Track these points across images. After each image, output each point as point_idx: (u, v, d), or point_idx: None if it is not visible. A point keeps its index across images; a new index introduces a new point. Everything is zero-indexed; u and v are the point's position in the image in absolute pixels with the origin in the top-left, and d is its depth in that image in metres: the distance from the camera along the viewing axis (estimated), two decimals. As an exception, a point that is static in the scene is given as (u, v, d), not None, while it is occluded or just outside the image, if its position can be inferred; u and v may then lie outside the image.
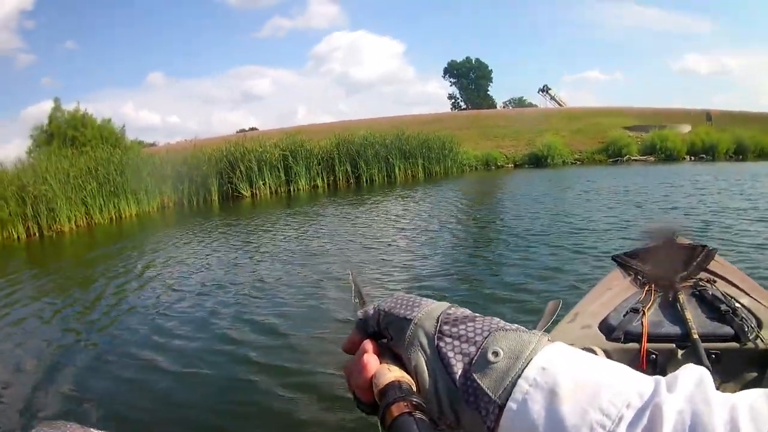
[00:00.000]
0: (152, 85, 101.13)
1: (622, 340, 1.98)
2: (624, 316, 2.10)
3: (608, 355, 1.89)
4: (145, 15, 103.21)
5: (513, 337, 0.44)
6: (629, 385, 0.40)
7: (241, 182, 20.20)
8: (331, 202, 16.40)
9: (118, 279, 7.63)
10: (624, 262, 2.76)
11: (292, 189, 21.16)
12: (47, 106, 25.62)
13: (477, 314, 0.49)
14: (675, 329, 1.96)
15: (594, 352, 1.62)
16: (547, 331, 1.90)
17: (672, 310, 2.11)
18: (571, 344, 1.33)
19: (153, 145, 38.73)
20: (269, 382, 3.74)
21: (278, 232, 10.77)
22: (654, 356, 1.89)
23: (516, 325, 0.46)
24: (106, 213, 15.94)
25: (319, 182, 21.96)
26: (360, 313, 0.54)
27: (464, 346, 0.45)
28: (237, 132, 42.98)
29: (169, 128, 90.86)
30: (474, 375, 0.43)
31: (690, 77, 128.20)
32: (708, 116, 35.28)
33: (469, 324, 0.47)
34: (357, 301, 0.70)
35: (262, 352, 4.31)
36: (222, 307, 5.68)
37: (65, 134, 22.34)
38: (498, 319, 0.47)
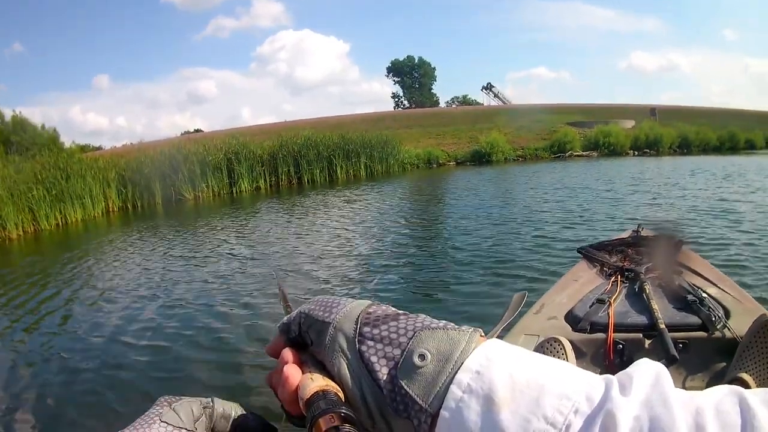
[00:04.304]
0: (98, 88, 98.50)
1: (589, 331, 1.98)
2: (590, 307, 2.11)
3: (575, 345, 1.86)
4: (89, 17, 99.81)
5: (441, 337, 0.40)
6: (576, 388, 0.36)
7: (183, 185, 20.43)
8: (272, 203, 16.64)
9: (61, 286, 7.63)
10: (590, 254, 2.79)
11: (234, 191, 21.51)
12: None
13: (401, 312, 0.45)
14: (641, 319, 1.96)
15: (560, 342, 1.75)
16: (513, 323, 2.02)
17: (638, 300, 2.12)
18: (537, 335, 1.96)
19: (99, 148, 38.57)
20: (193, 384, 3.86)
21: (218, 235, 10.86)
22: (621, 346, 1.88)
23: (444, 321, 0.43)
24: (53, 219, 15.95)
25: (261, 183, 22.41)
26: (285, 318, 0.51)
27: (387, 348, 0.42)
28: (182, 134, 42.34)
29: (116, 131, 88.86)
30: (401, 381, 0.40)
31: (637, 75, 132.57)
32: (652, 111, 36.65)
33: (392, 323, 0.43)
34: (283, 305, 0.67)
35: (189, 355, 4.42)
36: (158, 313, 5.71)
37: (7, 139, 22.40)
38: (424, 316, 0.44)
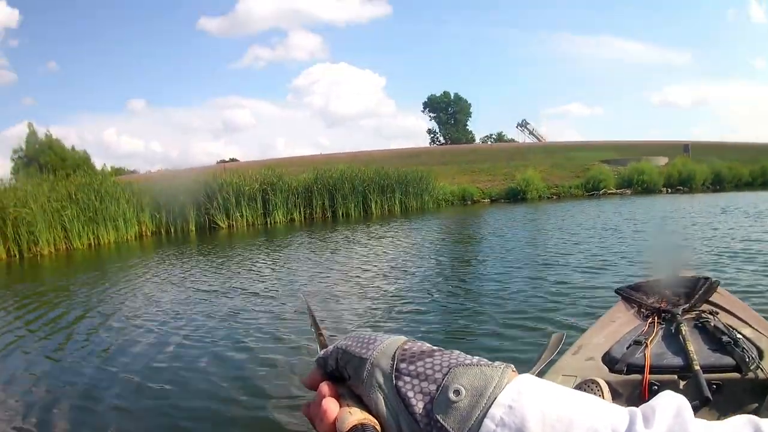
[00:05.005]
0: (133, 111, 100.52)
1: (625, 372, 2.01)
2: (627, 348, 2.13)
3: (611, 386, 1.90)
4: (126, 41, 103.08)
5: (474, 373, 0.42)
6: (603, 421, 0.38)
7: (218, 213, 20.29)
8: (306, 235, 16.40)
9: (89, 305, 7.70)
10: (627, 295, 2.81)
11: (269, 221, 21.25)
12: (26, 127, 26.26)
13: (435, 348, 0.47)
14: (677, 360, 1.99)
15: (598, 384, 1.79)
16: (551, 363, 1.99)
17: (674, 341, 2.14)
18: (574, 376, 1.95)
19: (134, 172, 38.88)
20: (223, 410, 3.78)
21: (252, 264, 10.76)
22: (656, 387, 1.89)
23: (477, 358, 0.44)
24: (85, 239, 16.02)
25: (296, 215, 22.08)
26: (321, 352, 0.52)
27: (423, 384, 0.43)
28: (217, 163, 42.78)
29: (151, 155, 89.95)
30: (437, 416, 0.41)
31: (670, 109, 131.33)
32: (685, 148, 35.64)
33: (427, 360, 0.45)
34: (312, 326, 0.69)
35: (219, 380, 4.32)
36: (188, 338, 5.63)
37: (38, 159, 22.61)
38: (458, 353, 0.45)
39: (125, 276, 10.60)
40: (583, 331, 2.63)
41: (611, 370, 2.03)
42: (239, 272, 9.83)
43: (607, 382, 1.87)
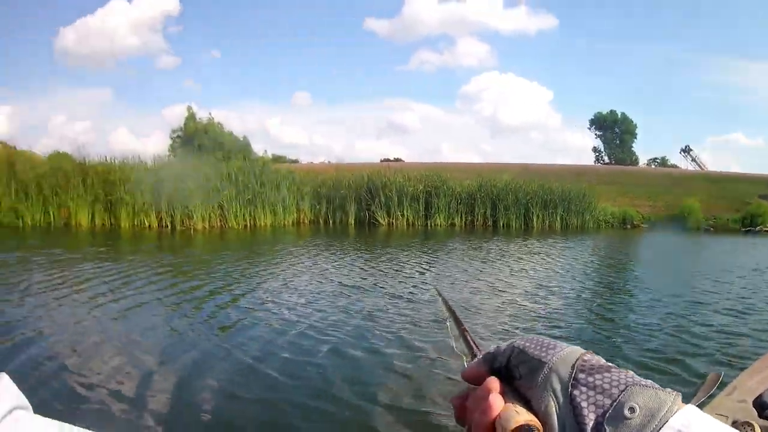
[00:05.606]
0: (298, 104, 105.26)
1: None
2: None
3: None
4: (291, 35, 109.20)
5: (650, 395, 0.42)
6: None
7: (378, 210, 20.09)
8: (463, 242, 15.67)
9: (226, 282, 7.70)
10: None
11: (429, 223, 20.79)
12: (186, 109, 27.89)
13: (612, 365, 0.46)
14: None
15: (752, 426, 1.76)
16: (705, 401, 2.07)
17: None
18: (726, 416, 1.93)
19: (296, 162, 39.88)
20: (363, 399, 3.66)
21: (402, 265, 10.29)
22: None
23: (651, 381, 0.44)
24: (241, 219, 16.36)
25: (456, 220, 21.53)
26: (492, 348, 0.51)
27: (599, 397, 0.43)
28: (381, 161, 42.93)
29: (314, 148, 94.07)
30: (607, 428, 0.41)
31: None
32: None
33: (606, 374, 0.45)
34: (450, 318, 0.70)
35: (332, 376, 4.10)
36: (313, 328, 5.42)
37: (195, 141, 23.56)
38: (633, 373, 0.45)
39: (272, 259, 10.58)
40: (739, 371, 2.38)
41: (760, 415, 1.91)
42: (387, 271, 9.53)
43: (762, 427, 1.78)
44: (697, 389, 1.91)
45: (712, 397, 2.06)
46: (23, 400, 0.40)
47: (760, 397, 2.06)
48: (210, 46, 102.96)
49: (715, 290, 8.90)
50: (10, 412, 0.36)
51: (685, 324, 6.47)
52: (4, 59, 69.03)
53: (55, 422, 0.41)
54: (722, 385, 2.08)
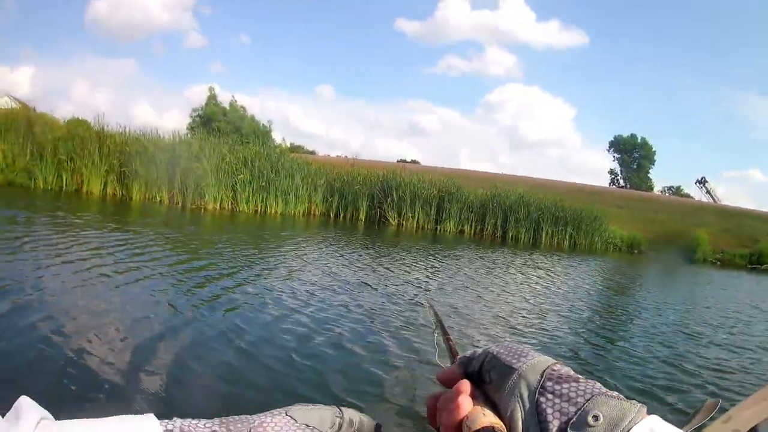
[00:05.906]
0: (321, 96, 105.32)
1: None
2: None
3: None
4: (321, 27, 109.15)
5: (614, 405, 0.43)
6: None
7: (390, 209, 20.04)
8: (470, 250, 15.58)
9: (231, 265, 7.62)
10: None
11: (439, 228, 20.73)
12: (208, 90, 28.03)
13: (580, 376, 0.47)
14: None
15: None
16: (701, 427, 2.06)
17: None
18: None
19: (312, 153, 40.01)
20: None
21: (408, 266, 10.23)
22: None
23: (617, 393, 0.45)
24: (252, 204, 16.36)
25: (466, 228, 21.45)
26: (469, 352, 0.54)
27: (564, 405, 0.45)
28: (397, 161, 42.90)
29: (332, 140, 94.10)
30: None
31: None
32: None
33: (573, 384, 0.46)
34: (436, 327, 0.71)
35: (321, 366, 4.11)
36: (312, 319, 5.41)
37: (213, 120, 23.65)
38: (600, 384, 0.46)
39: (279, 247, 10.52)
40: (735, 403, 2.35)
41: None
42: (392, 270, 9.45)
43: None
44: (693, 414, 1.91)
45: (709, 422, 2.08)
46: (47, 413, 0.40)
47: (754, 429, 2.09)
48: (239, 30, 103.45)
49: (722, 325, 8.78)
50: (39, 422, 0.38)
51: (684, 355, 6.43)
52: (34, 20, 69.62)
53: (75, 421, 0.41)
54: (721, 411, 2.10)
